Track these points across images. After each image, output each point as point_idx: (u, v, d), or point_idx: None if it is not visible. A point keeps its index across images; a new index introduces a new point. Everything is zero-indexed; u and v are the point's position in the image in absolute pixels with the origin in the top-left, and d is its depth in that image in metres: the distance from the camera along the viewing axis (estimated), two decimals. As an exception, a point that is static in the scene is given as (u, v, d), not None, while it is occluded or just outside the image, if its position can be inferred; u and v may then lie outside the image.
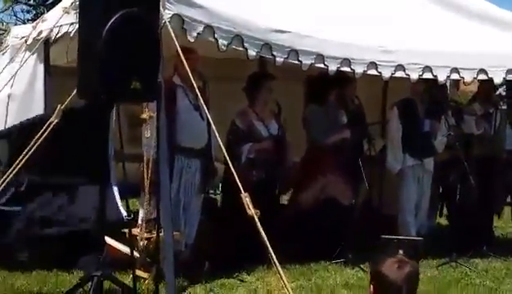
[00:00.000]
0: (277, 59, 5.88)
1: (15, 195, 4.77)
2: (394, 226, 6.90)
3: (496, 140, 7.48)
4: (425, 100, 7.07)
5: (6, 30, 10.49)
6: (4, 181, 4.49)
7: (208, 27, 5.50)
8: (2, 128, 6.26)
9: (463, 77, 6.59)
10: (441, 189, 7.81)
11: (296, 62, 5.98)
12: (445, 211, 7.93)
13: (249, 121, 6.40)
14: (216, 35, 5.54)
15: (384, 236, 5.74)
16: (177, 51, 5.08)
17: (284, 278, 4.16)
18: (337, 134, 6.74)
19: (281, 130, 6.52)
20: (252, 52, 5.75)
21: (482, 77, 6.65)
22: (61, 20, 5.93)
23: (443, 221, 8.25)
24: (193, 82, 5.17)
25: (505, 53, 6.76)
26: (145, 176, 5.21)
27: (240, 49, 5.69)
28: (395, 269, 2.60)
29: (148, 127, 5.21)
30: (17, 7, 18.81)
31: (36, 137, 4.64)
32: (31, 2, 18.47)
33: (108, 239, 5.10)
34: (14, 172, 4.52)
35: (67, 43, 5.94)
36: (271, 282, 5.44)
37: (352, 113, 6.97)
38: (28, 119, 5.67)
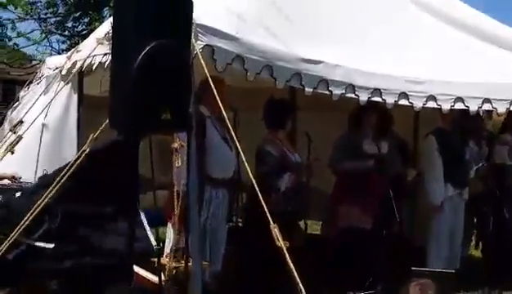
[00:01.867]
0: (306, 89, 5.89)
1: (48, 231, 4.83)
2: (426, 258, 6.82)
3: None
4: (457, 129, 7.01)
5: (41, 61, 10.68)
6: (36, 211, 4.54)
7: (238, 57, 5.54)
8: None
9: (495, 108, 6.52)
10: (475, 220, 7.73)
11: (326, 92, 5.98)
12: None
13: (280, 149, 6.40)
14: (245, 65, 5.58)
15: (415, 268, 5.74)
16: (207, 80, 5.13)
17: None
18: (359, 162, 6.69)
19: (303, 158, 6.51)
20: (281, 82, 5.77)
21: (513, 107, 6.58)
22: (95, 50, 6.03)
23: (477, 253, 8.12)
24: (223, 112, 5.20)
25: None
26: (176, 206, 5.22)
27: (270, 78, 5.71)
28: (417, 292, 2.59)
29: (179, 157, 5.24)
30: (52, 38, 19.24)
31: (68, 166, 4.70)
32: (66, 32, 18.86)
33: (137, 269, 5.11)
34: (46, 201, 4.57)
35: (101, 74, 6.03)
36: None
37: (394, 143, 6.95)
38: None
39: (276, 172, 6.19)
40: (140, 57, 3.88)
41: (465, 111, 6.52)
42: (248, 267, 6.23)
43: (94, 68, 6.11)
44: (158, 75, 4.00)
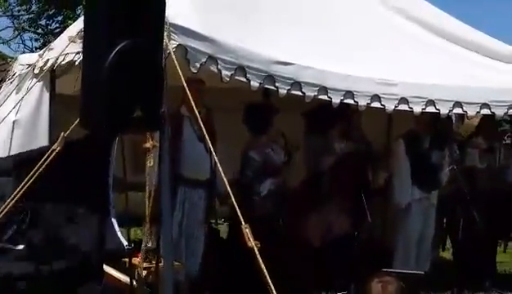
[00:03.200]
0: (280, 90, 5.91)
1: (17, 231, 4.77)
2: (396, 259, 6.87)
3: (500, 174, 7.47)
4: (430, 131, 7.08)
5: (14, 58, 10.58)
6: (4, 211, 4.49)
7: (211, 58, 5.54)
8: (6, 155, 6.28)
9: (466, 112, 6.59)
10: (445, 223, 7.80)
11: (299, 93, 6.00)
12: (448, 244, 7.90)
13: (263, 153, 6.43)
14: (219, 66, 5.59)
15: (385, 269, 5.76)
16: (189, 80, 5.13)
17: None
18: (330, 157, 6.71)
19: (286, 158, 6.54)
20: (255, 83, 5.78)
21: (485, 111, 6.65)
22: (67, 48, 5.99)
23: (446, 255, 8.20)
24: (196, 112, 5.20)
25: (508, 87, 6.78)
26: (147, 206, 5.20)
27: (243, 80, 5.72)
28: (379, 288, 2.62)
29: (151, 156, 5.22)
30: (25, 35, 19.03)
31: (37, 165, 4.66)
32: (39, 30, 18.66)
33: (107, 268, 5.09)
34: (13, 202, 4.52)
35: (75, 72, 5.99)
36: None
37: (356, 143, 6.99)
38: (32, 150, 5.69)
39: (258, 177, 6.24)
40: (111, 56, 3.84)
41: (437, 114, 6.59)
42: (223, 268, 6.24)
43: (66, 66, 6.06)
44: (129, 74, 3.97)
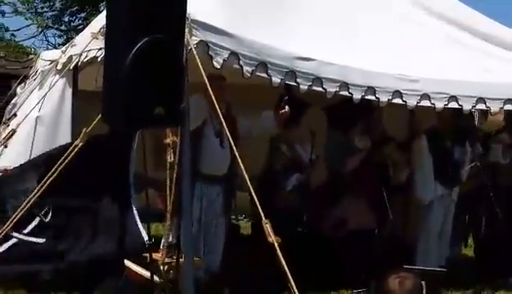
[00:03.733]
0: (301, 86, 5.90)
1: (39, 225, 4.82)
2: (417, 256, 6.84)
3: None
4: (452, 128, 7.03)
5: (37, 55, 10.66)
6: (28, 204, 4.54)
7: (233, 54, 5.55)
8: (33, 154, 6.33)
9: (489, 107, 6.53)
10: (467, 219, 7.74)
11: (320, 89, 5.98)
12: (470, 241, 7.84)
13: (293, 148, 6.44)
14: (241, 62, 5.59)
15: (406, 266, 5.74)
16: (209, 77, 5.14)
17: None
18: (354, 159, 6.72)
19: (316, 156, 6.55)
20: (276, 79, 5.77)
21: (508, 107, 6.59)
22: (90, 45, 6.03)
23: (469, 252, 8.14)
24: (217, 108, 5.21)
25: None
26: (168, 201, 5.22)
27: (265, 76, 5.72)
28: (396, 284, 2.62)
29: (171, 152, 5.24)
30: (48, 32, 19.20)
31: (60, 161, 4.70)
32: (62, 27, 18.82)
33: (128, 263, 5.12)
34: (37, 195, 4.57)
35: (97, 68, 6.03)
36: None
37: (377, 139, 6.96)
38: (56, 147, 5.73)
39: (285, 172, 6.26)
40: (133, 52, 3.86)
41: (459, 110, 6.53)
42: (245, 264, 6.26)
43: (88, 62, 6.10)
44: (150, 70, 3.99)
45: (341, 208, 6.69)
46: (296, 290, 4.12)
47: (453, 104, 6.42)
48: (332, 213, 6.71)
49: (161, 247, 5.39)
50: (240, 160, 5.19)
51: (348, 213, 6.66)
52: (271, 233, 4.43)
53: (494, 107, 6.55)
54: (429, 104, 6.39)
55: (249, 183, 4.99)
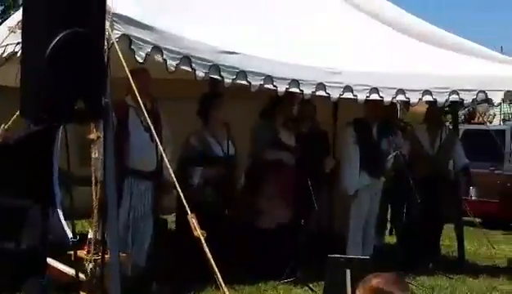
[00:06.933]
0: (226, 80, 5.91)
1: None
2: (343, 245, 6.96)
3: (442, 158, 7.63)
4: (377, 119, 7.17)
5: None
6: None
7: (156, 47, 5.51)
8: None
9: (408, 99, 6.71)
10: (389, 208, 7.95)
11: (245, 83, 6.01)
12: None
13: (204, 140, 6.42)
14: (164, 56, 5.55)
15: (331, 255, 5.84)
16: (133, 70, 5.09)
17: (231, 298, 4.16)
18: (276, 153, 6.78)
19: (234, 149, 6.55)
20: (200, 73, 5.76)
21: (427, 98, 6.78)
22: (7, 39, 5.86)
23: (392, 239, 8.35)
24: (140, 102, 5.16)
25: (450, 74, 6.92)
26: (94, 197, 5.15)
27: (189, 70, 5.70)
28: (396, 288, 2.55)
29: (96, 148, 5.16)
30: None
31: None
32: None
33: (52, 261, 5.02)
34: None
35: (16, 63, 5.87)
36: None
37: (305, 133, 7.05)
38: None
39: (192, 164, 6.23)
40: (51, 46, 3.79)
41: (381, 102, 6.68)
42: (171, 258, 6.24)
43: (6, 58, 5.93)
44: (70, 65, 3.91)
45: (265, 201, 6.74)
46: (222, 282, 4.14)
47: (374, 96, 6.57)
48: (255, 206, 6.75)
49: (87, 244, 5.33)
50: (164, 155, 5.17)
51: (272, 206, 6.71)
52: (197, 227, 4.43)
53: (413, 98, 6.73)
54: (352, 96, 6.51)
55: (174, 178, 4.98)
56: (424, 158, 7.49)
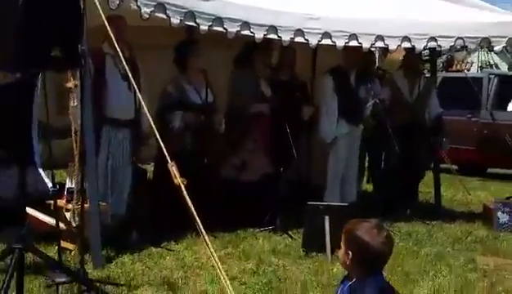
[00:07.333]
0: (201, 27, 5.83)
1: None
2: (321, 193, 7.02)
3: (420, 106, 7.65)
4: (355, 66, 7.15)
5: None
6: None
7: (129, -6, 5.40)
8: None
9: (387, 45, 6.68)
10: (367, 156, 7.99)
11: (221, 29, 5.93)
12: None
13: (181, 87, 6.37)
14: (138, 3, 5.45)
15: (310, 202, 5.89)
16: (109, 18, 4.99)
17: (210, 246, 4.17)
18: (257, 106, 6.75)
19: (212, 96, 6.50)
20: (175, 20, 5.67)
21: (405, 44, 6.76)
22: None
23: (369, 187, 8.44)
24: (118, 49, 5.08)
25: (428, 21, 6.89)
26: (74, 146, 5.10)
27: (163, 17, 5.61)
28: (375, 234, 2.57)
29: (74, 96, 5.10)
30: None
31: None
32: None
33: (31, 211, 5.01)
34: None
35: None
36: (199, 250, 5.47)
37: (284, 81, 7.02)
38: None
39: (170, 110, 6.19)
40: (24, -6, 3.70)
41: (360, 48, 6.65)
42: (150, 206, 6.24)
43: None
44: (44, 13, 3.84)
45: (244, 151, 6.74)
46: (203, 229, 4.15)
47: (353, 43, 6.53)
48: (234, 156, 6.75)
49: (65, 193, 5.32)
50: (143, 103, 5.12)
51: (253, 158, 6.72)
52: (177, 175, 4.42)
53: (392, 45, 6.71)
54: (330, 43, 6.47)
55: (153, 125, 4.93)
56: (403, 105, 7.49)
